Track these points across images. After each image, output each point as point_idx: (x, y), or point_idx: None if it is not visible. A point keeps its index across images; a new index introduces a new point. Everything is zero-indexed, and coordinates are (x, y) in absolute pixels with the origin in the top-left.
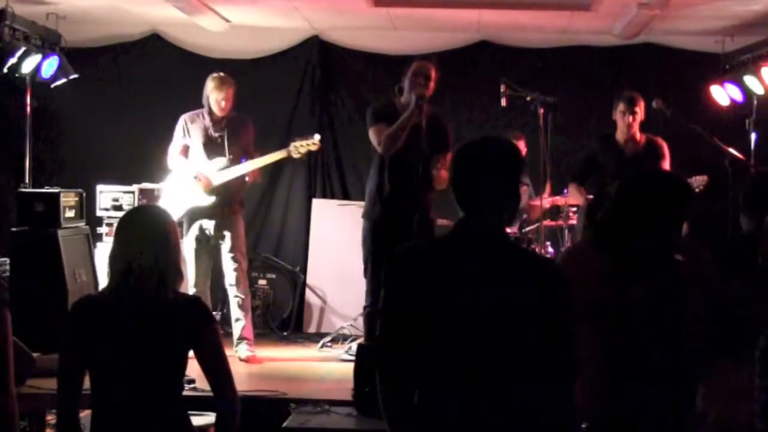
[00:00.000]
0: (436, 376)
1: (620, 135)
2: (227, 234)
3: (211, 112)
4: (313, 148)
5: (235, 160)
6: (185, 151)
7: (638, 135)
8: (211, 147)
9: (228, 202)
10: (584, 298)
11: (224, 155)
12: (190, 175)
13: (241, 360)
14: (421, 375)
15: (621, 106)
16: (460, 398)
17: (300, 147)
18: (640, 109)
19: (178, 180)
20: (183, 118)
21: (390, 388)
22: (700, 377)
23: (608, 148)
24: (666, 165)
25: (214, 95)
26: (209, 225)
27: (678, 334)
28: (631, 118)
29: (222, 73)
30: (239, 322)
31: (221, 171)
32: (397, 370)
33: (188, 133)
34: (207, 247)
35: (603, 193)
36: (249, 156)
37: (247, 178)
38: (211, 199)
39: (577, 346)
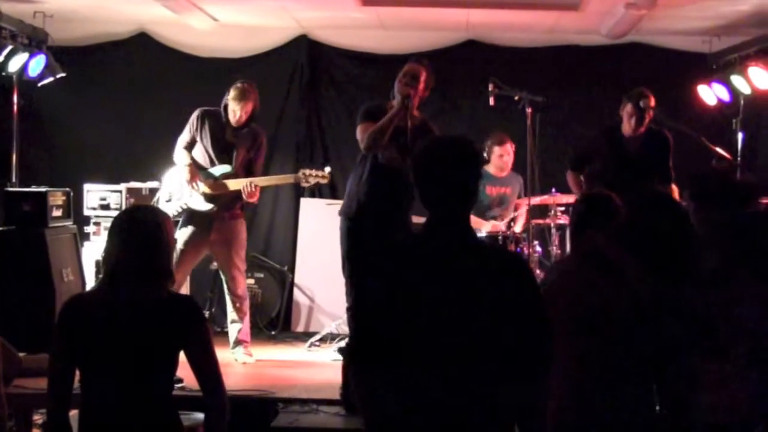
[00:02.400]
0: (407, 371)
1: (626, 128)
2: (228, 239)
3: (227, 117)
4: (323, 181)
5: (239, 171)
6: (190, 145)
7: (643, 128)
8: (220, 151)
9: (228, 207)
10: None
11: (230, 163)
12: (192, 179)
13: (239, 362)
14: (394, 371)
15: (629, 108)
16: (431, 393)
17: (309, 177)
18: (649, 110)
19: (179, 178)
20: (199, 112)
21: (364, 384)
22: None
23: (612, 140)
24: (670, 161)
25: (232, 105)
26: (207, 229)
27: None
28: (636, 121)
29: (246, 85)
30: (236, 324)
31: (223, 180)
32: (370, 367)
33: (200, 129)
34: (196, 249)
35: (600, 182)
36: (253, 172)
37: (243, 195)
38: (208, 206)
39: (551, 337)
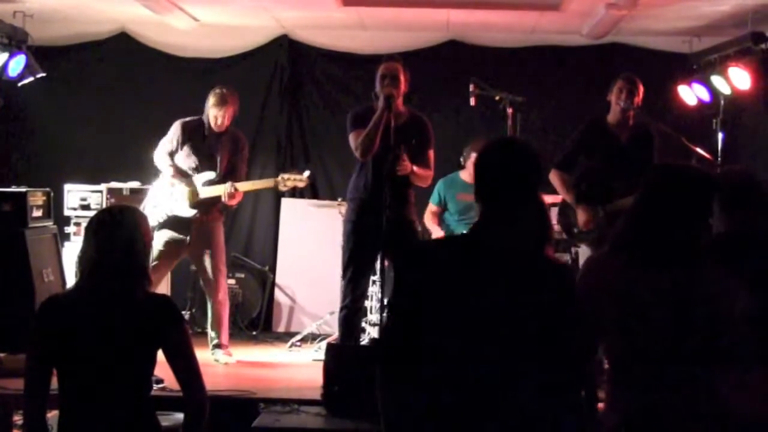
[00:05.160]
0: (437, 379)
1: (613, 118)
2: (206, 241)
3: (208, 124)
4: (301, 185)
5: (223, 177)
6: (171, 155)
7: (631, 120)
8: (204, 158)
9: (207, 212)
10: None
11: (214, 169)
12: (178, 186)
13: (220, 363)
14: (423, 376)
15: (619, 83)
16: (462, 403)
17: (288, 181)
18: (639, 92)
19: (165, 185)
20: (179, 125)
21: (391, 385)
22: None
23: (599, 133)
24: (654, 157)
25: (213, 111)
26: (185, 233)
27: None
28: (626, 95)
29: (225, 90)
30: (216, 328)
31: (207, 186)
32: (399, 369)
33: (180, 142)
34: (174, 251)
35: (590, 180)
36: (237, 176)
37: (224, 199)
38: (192, 212)
39: (586, 352)
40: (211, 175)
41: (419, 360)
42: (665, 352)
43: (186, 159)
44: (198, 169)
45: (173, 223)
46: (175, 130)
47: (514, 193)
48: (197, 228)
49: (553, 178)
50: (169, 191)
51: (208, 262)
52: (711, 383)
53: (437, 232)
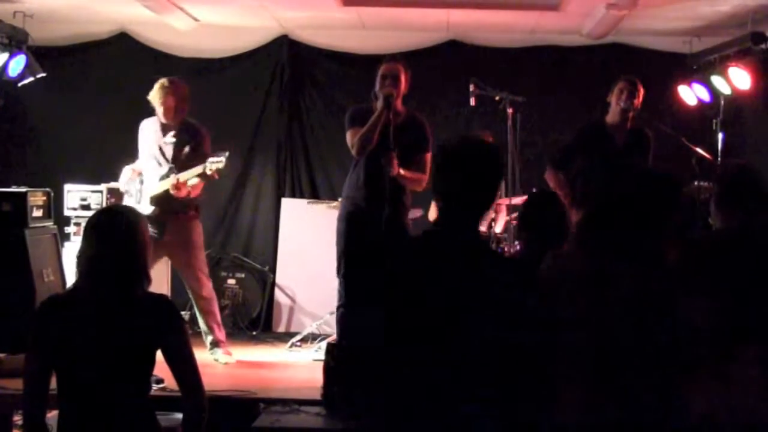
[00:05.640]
0: (405, 378)
1: (612, 119)
2: (183, 241)
3: (159, 119)
4: (220, 166)
5: (178, 170)
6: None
7: (629, 122)
8: (161, 153)
9: (176, 210)
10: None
11: (168, 163)
12: (123, 185)
13: (220, 363)
14: (393, 376)
15: (620, 84)
16: (424, 399)
17: (210, 165)
18: (639, 94)
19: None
20: (141, 125)
21: (362, 385)
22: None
23: (597, 136)
24: (649, 160)
25: (154, 104)
26: (157, 232)
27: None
28: (627, 96)
29: (166, 81)
30: (208, 326)
31: (161, 180)
32: (370, 369)
33: (140, 139)
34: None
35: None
36: (187, 169)
37: (172, 191)
38: (151, 209)
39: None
40: (164, 169)
41: (389, 361)
42: (620, 351)
43: (149, 157)
44: (157, 164)
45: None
46: (139, 128)
47: (472, 193)
48: (172, 227)
49: (549, 177)
50: (131, 195)
51: (188, 261)
52: (669, 386)
53: None
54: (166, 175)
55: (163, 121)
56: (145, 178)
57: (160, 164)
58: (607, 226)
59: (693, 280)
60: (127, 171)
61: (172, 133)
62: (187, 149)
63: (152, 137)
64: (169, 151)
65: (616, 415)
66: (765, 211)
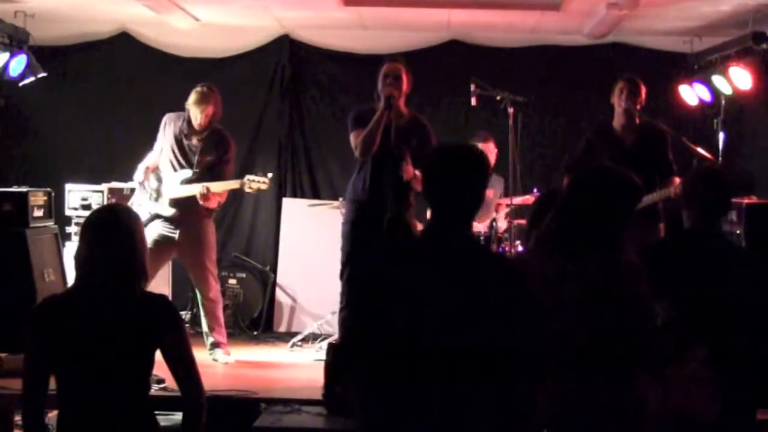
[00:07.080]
0: (399, 372)
1: (617, 121)
2: (195, 241)
3: (190, 120)
4: (263, 187)
5: (199, 177)
6: (161, 151)
7: (637, 120)
8: (182, 155)
9: (193, 210)
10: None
11: (191, 167)
12: (148, 186)
13: (220, 363)
14: (384, 374)
15: (620, 84)
16: (418, 400)
17: (252, 183)
18: (640, 92)
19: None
20: (165, 118)
21: (358, 383)
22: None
23: (605, 137)
24: (669, 154)
25: (192, 110)
26: (173, 231)
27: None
28: (627, 95)
29: (206, 88)
30: (210, 327)
31: (184, 184)
32: (363, 367)
33: (164, 135)
34: (162, 250)
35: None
36: (221, 177)
37: (199, 199)
38: (171, 211)
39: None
40: (188, 173)
41: (381, 357)
42: (584, 345)
43: (166, 153)
44: (175, 167)
45: (160, 222)
46: (163, 121)
47: (464, 199)
48: (185, 228)
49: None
50: (145, 191)
51: (198, 261)
52: (629, 380)
53: None
54: (191, 180)
55: (197, 126)
56: (164, 176)
57: (180, 165)
58: (566, 225)
59: (652, 279)
60: (141, 167)
61: (198, 137)
62: (212, 157)
63: (177, 134)
64: (193, 155)
65: (581, 403)
66: (723, 215)
